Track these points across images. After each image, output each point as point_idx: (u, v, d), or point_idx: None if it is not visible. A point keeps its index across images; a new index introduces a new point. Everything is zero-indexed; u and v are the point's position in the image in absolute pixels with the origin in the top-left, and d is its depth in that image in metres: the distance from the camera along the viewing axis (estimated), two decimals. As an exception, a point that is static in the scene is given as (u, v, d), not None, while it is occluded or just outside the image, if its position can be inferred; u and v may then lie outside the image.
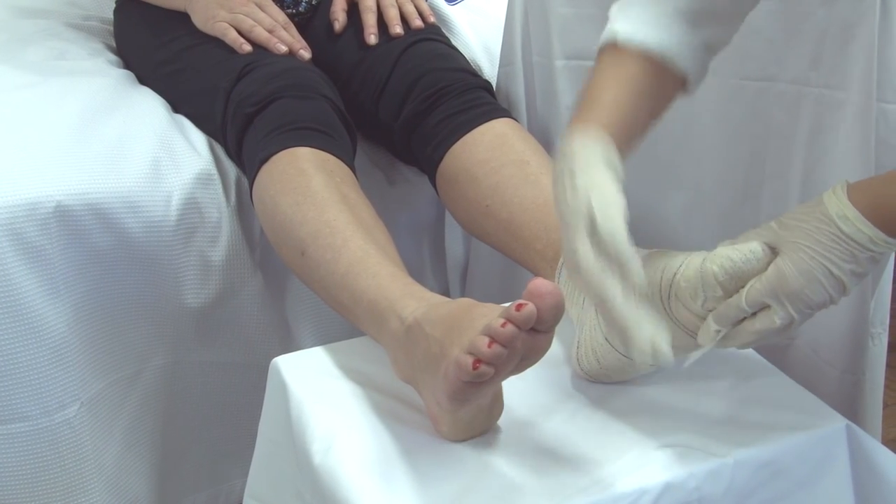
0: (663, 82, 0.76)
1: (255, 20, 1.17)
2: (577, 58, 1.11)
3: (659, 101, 0.77)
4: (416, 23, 1.22)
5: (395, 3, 1.23)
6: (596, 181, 0.68)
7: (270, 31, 1.17)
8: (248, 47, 1.15)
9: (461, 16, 1.39)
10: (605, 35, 0.76)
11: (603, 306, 0.67)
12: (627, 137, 0.74)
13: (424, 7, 1.25)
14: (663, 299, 0.75)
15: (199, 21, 1.19)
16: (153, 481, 1.14)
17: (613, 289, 0.66)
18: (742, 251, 0.71)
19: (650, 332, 0.65)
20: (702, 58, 0.77)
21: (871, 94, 0.90)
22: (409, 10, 1.23)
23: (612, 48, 0.76)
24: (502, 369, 0.69)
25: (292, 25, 1.21)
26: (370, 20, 1.21)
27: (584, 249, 0.67)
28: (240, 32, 1.16)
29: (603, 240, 0.66)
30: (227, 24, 1.16)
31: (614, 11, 0.77)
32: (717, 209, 1.06)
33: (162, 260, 1.07)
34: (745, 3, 0.79)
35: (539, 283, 0.66)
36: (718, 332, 0.72)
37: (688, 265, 0.74)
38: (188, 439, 1.17)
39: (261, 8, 1.19)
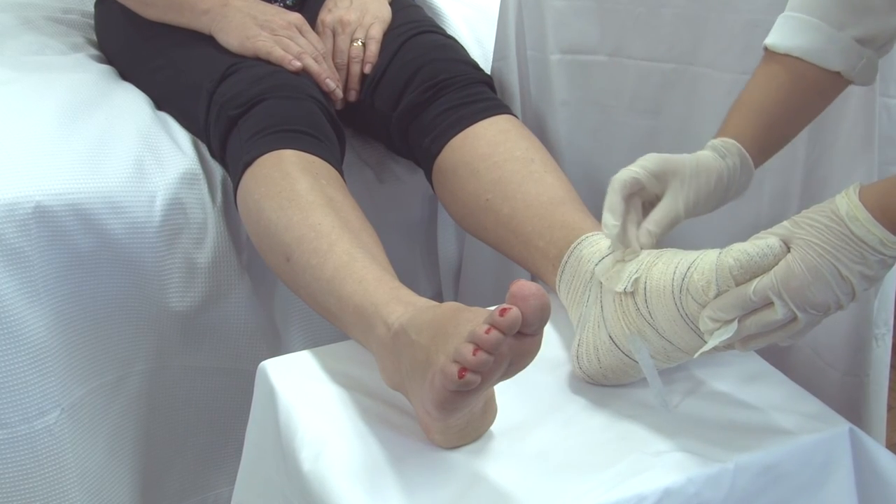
0: (814, 82, 0.83)
1: (299, 46, 1.13)
2: (573, 52, 1.10)
3: (812, 99, 0.85)
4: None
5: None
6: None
7: (316, 61, 1.13)
8: (297, 63, 1.10)
9: (454, 9, 1.37)
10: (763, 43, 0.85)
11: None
12: (772, 139, 0.84)
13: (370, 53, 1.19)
14: (675, 295, 0.75)
15: (233, 40, 1.13)
16: (137, 490, 1.12)
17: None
18: (759, 245, 0.72)
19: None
20: (857, 51, 0.82)
21: (874, 90, 0.90)
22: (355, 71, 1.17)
23: (767, 55, 0.85)
24: (489, 376, 0.68)
25: (329, 55, 1.18)
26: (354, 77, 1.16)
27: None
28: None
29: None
30: (272, 43, 1.11)
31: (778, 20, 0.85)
32: (717, 206, 1.04)
33: (145, 262, 1.05)
34: None
35: (522, 286, 0.65)
36: (716, 321, 0.72)
37: (703, 259, 0.75)
38: (173, 447, 1.15)
39: (301, 34, 1.15)
